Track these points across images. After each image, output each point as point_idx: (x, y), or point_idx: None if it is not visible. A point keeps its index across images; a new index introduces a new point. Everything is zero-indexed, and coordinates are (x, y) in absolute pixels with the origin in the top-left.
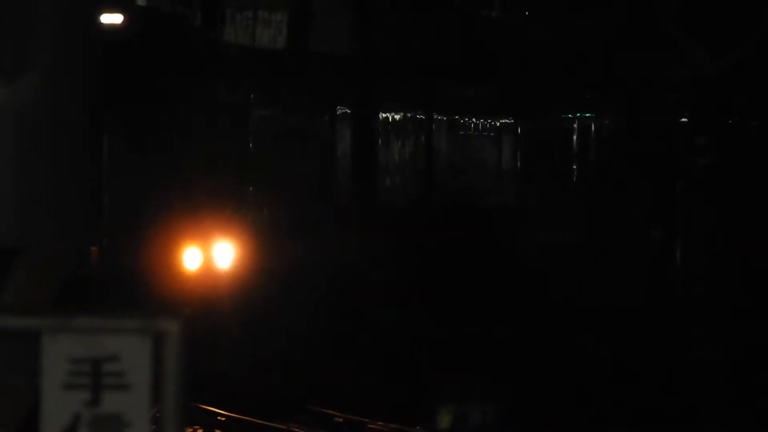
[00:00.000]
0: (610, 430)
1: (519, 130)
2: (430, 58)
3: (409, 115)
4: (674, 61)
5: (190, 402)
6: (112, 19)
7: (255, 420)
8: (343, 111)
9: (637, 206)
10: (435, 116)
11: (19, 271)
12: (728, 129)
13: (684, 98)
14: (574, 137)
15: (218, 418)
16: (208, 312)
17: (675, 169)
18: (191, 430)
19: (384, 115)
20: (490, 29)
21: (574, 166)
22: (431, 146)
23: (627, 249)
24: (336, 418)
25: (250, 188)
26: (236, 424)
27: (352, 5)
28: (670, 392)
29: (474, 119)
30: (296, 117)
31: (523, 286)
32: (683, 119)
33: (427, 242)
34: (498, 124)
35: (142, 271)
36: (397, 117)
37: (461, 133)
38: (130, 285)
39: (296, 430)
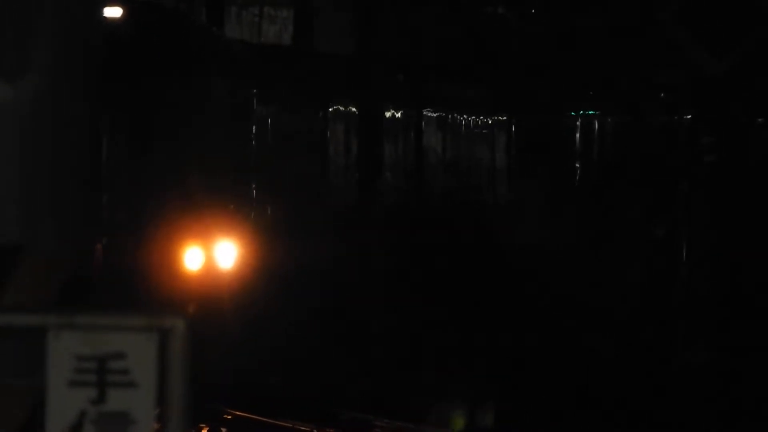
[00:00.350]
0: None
1: (520, 129)
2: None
3: (409, 112)
4: (676, 61)
5: (196, 400)
6: (112, 13)
7: (261, 418)
8: (347, 109)
9: (639, 205)
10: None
11: (21, 269)
12: (731, 128)
13: (686, 98)
14: (577, 135)
15: (224, 416)
16: (209, 312)
17: (678, 169)
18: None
19: (388, 114)
20: (491, 28)
21: (577, 165)
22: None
23: (629, 248)
24: (341, 416)
25: (253, 187)
26: (242, 423)
27: (353, 4)
28: (672, 392)
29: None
30: (299, 115)
31: (527, 285)
32: (686, 117)
33: (433, 242)
34: (491, 121)
35: (142, 271)
36: (397, 115)
37: (462, 130)
38: (130, 285)
39: (301, 427)
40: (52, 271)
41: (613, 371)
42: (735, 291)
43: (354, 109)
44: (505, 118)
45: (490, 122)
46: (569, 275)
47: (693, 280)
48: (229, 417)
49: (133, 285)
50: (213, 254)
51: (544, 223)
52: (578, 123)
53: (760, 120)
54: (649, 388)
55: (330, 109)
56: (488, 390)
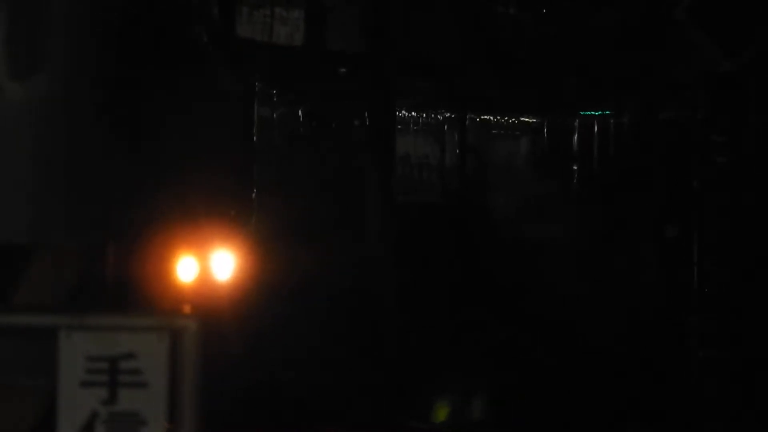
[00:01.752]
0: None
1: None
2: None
3: (426, 113)
4: (689, 58)
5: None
6: None
7: (266, 424)
8: (360, 107)
9: (653, 204)
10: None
11: (33, 269)
12: (745, 126)
13: (699, 95)
14: (576, 135)
15: (231, 423)
16: (206, 325)
17: (690, 168)
18: None
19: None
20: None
21: (590, 163)
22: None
23: (640, 249)
24: (345, 420)
25: (253, 191)
26: (250, 429)
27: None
28: (680, 391)
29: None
30: (304, 114)
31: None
32: (699, 117)
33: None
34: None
35: (131, 281)
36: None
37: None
38: (116, 297)
39: (312, 428)
40: (64, 271)
41: (628, 370)
42: (749, 290)
43: (370, 107)
44: (524, 118)
45: (522, 122)
46: (579, 276)
47: (707, 279)
48: (236, 424)
49: (120, 297)
50: (209, 265)
51: (560, 222)
52: (578, 123)
53: None
54: (664, 387)
55: (344, 107)
56: (502, 389)
